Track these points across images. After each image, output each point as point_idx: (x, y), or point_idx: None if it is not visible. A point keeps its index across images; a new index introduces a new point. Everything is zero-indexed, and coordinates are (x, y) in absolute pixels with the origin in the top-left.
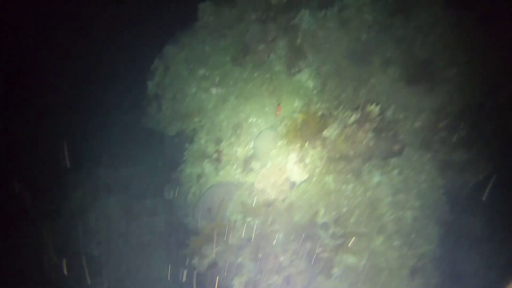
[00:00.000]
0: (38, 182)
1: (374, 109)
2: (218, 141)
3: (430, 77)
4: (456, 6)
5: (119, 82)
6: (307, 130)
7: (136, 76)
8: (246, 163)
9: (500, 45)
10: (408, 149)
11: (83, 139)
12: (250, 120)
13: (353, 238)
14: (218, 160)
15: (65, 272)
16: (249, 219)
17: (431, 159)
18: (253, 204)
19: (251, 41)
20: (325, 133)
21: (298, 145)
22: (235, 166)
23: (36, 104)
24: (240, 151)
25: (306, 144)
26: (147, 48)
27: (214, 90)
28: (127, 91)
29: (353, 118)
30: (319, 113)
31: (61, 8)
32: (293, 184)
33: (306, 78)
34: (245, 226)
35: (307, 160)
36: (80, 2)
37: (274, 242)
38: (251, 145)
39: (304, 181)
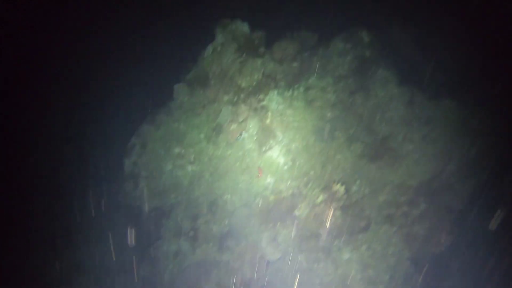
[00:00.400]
0: None
1: (340, 188)
2: (195, 218)
3: (390, 153)
4: (409, 84)
5: (96, 159)
6: (279, 209)
7: (113, 154)
8: (222, 241)
9: (450, 119)
10: (374, 224)
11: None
12: (225, 197)
13: None
14: (194, 237)
15: None
16: None
17: (396, 232)
18: (232, 286)
19: (224, 121)
20: (296, 212)
21: (271, 224)
22: (211, 244)
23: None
24: (216, 229)
25: (278, 223)
26: (124, 127)
27: (189, 167)
28: (104, 168)
29: (321, 198)
30: (290, 192)
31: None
32: (267, 263)
33: (277, 155)
34: None
35: (280, 239)
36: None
37: None
38: (227, 223)
39: (278, 259)
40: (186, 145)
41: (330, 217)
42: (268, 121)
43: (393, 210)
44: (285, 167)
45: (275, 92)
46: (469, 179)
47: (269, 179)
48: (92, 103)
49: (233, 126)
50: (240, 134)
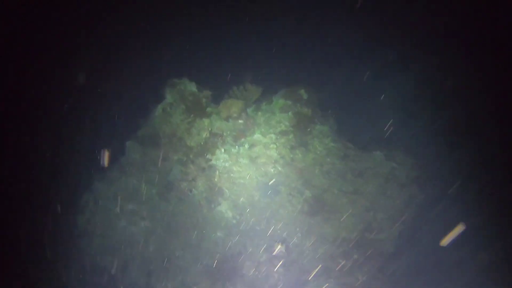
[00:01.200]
0: None
1: (281, 247)
2: (149, 274)
3: (327, 206)
4: (344, 138)
5: (48, 218)
6: (226, 268)
7: (65, 212)
8: None
9: (380, 171)
10: (313, 278)
11: None
12: (177, 253)
13: None
14: None
15: None
16: None
17: (335, 284)
18: None
19: (174, 179)
20: (244, 270)
21: (220, 283)
22: None
23: None
24: (170, 285)
25: (227, 283)
26: (77, 183)
27: (142, 223)
28: (56, 227)
29: (264, 257)
30: (237, 249)
31: None
32: None
33: (225, 210)
34: None
35: None
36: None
37: None
38: (180, 279)
39: None
40: (138, 201)
41: (273, 273)
42: (216, 179)
43: (330, 262)
44: (234, 222)
45: (222, 150)
46: (398, 225)
47: (219, 234)
48: (45, 158)
49: (184, 184)
50: (191, 191)
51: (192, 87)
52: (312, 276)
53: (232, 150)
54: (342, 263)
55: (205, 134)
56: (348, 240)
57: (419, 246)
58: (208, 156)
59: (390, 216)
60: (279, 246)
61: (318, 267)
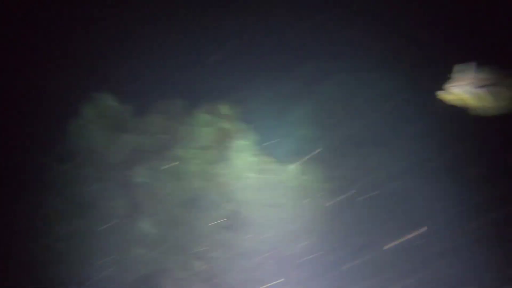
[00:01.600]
0: None
1: (202, 265)
2: None
3: (244, 219)
4: (262, 152)
5: None
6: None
7: None
8: None
9: (295, 183)
10: None
11: None
12: (97, 273)
13: None
14: None
15: None
16: None
17: None
18: None
19: (94, 198)
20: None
21: None
22: None
23: None
24: None
25: None
26: None
27: (58, 245)
28: None
29: (185, 274)
30: (160, 267)
31: None
32: None
33: (146, 226)
34: None
35: None
36: None
37: None
38: None
39: None
40: (56, 221)
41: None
42: (137, 195)
43: (248, 274)
44: (155, 238)
45: (144, 166)
46: (311, 235)
47: (140, 251)
48: None
49: (103, 202)
50: (111, 209)
51: (113, 101)
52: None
53: (155, 166)
54: (258, 275)
55: (126, 151)
56: (265, 252)
57: (331, 253)
58: (129, 173)
59: (303, 227)
60: (199, 262)
61: (235, 279)
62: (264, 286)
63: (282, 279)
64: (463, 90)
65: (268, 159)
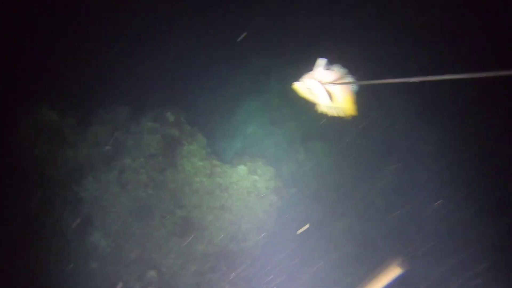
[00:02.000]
0: None
1: (154, 274)
2: None
3: (196, 224)
4: (210, 156)
5: None
6: None
7: None
8: None
9: (243, 186)
10: None
11: None
12: None
13: None
14: None
15: None
16: None
17: None
18: None
19: (40, 215)
20: None
21: None
22: None
23: None
24: None
25: None
26: None
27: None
28: None
29: (138, 286)
30: (111, 281)
31: None
32: None
33: (97, 240)
34: None
35: None
36: None
37: None
38: None
39: None
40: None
41: None
42: (86, 210)
43: (200, 278)
44: (107, 251)
45: (90, 179)
46: (260, 232)
47: (93, 265)
48: None
49: (50, 219)
50: (60, 226)
51: (52, 115)
52: None
53: (102, 178)
54: (210, 278)
55: (70, 165)
56: (214, 255)
57: (279, 246)
58: (76, 188)
59: (253, 226)
60: (152, 272)
61: (190, 284)
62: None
63: (233, 278)
64: (309, 85)
65: (216, 162)
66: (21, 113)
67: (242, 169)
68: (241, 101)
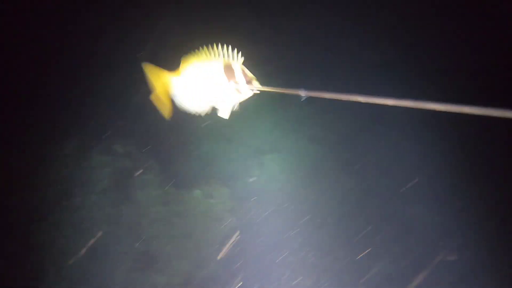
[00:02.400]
0: None
1: None
2: None
3: (155, 257)
4: (166, 183)
5: None
6: None
7: None
8: None
9: (200, 211)
10: None
11: None
12: None
13: None
14: None
15: None
16: None
17: None
18: None
19: None
20: None
21: None
22: None
23: None
24: None
25: None
26: None
27: None
28: None
29: None
30: None
31: None
32: None
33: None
34: None
35: None
36: None
37: None
38: None
39: None
40: None
41: None
42: (36, 256)
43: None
44: None
45: (42, 223)
46: (220, 257)
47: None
48: None
49: None
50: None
51: None
52: None
53: (52, 220)
54: None
55: (18, 209)
56: (180, 285)
57: (242, 268)
58: (26, 233)
59: (214, 250)
60: None
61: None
62: None
63: None
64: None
65: (172, 189)
66: None
67: (197, 193)
68: (194, 122)
